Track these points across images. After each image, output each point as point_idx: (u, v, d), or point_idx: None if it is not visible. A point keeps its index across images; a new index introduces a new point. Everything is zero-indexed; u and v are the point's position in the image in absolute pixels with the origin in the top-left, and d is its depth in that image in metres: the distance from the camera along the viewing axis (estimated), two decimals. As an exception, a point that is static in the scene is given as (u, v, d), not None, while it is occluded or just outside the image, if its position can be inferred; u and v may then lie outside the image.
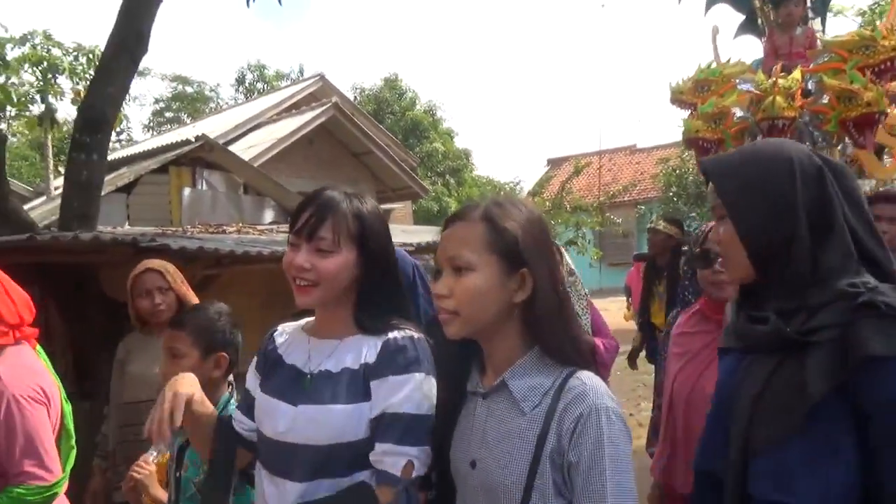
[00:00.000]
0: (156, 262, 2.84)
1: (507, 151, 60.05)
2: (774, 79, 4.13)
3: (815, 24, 5.10)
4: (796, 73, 4.20)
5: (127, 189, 6.72)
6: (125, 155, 8.69)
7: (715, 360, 1.95)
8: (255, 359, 1.68)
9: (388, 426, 1.42)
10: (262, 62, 32.50)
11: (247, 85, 31.66)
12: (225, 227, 5.23)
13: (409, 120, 27.27)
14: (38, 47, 10.14)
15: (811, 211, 1.30)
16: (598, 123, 58.96)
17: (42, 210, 7.45)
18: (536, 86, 71.15)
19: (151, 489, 2.07)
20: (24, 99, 10.32)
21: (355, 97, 25.62)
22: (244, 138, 13.29)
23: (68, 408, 2.20)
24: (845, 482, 1.19)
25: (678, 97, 4.68)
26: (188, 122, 26.01)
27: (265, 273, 4.09)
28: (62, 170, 14.40)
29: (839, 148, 4.34)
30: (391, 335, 1.48)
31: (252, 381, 1.65)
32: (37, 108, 10.79)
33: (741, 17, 5.37)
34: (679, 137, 4.94)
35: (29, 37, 10.30)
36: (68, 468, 2.14)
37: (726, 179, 1.36)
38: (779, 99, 4.01)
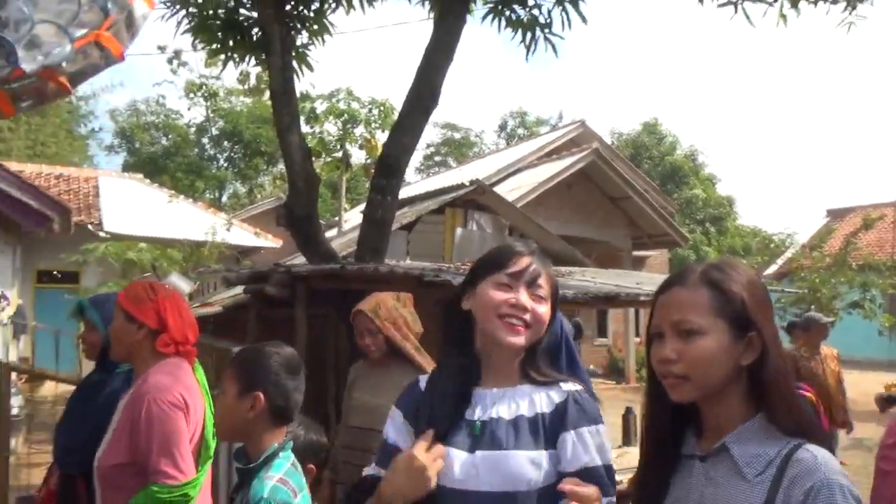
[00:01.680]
0: (369, 304, 2.92)
1: (776, 200, 55.09)
2: None
3: None
4: None
5: (408, 227, 7.47)
6: (406, 196, 9.69)
7: None
8: (393, 411, 1.63)
9: (594, 480, 1.45)
10: (524, 108, 34.18)
11: (508, 130, 33.35)
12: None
13: (668, 165, 26.48)
14: (342, 101, 11.87)
15: None
16: (891, 171, 51.36)
17: (336, 243, 8.58)
18: (813, 129, 64.53)
19: None
20: (329, 147, 12.06)
21: (613, 142, 25.58)
22: (506, 181, 13.98)
23: (212, 421, 2.31)
24: None
25: None
26: (454, 165, 28.07)
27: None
28: (347, 206, 16.43)
29: None
30: (566, 387, 1.53)
31: (397, 434, 1.59)
32: (335, 154, 12.54)
33: None
34: None
35: (335, 93, 12.13)
36: (203, 475, 2.25)
37: None
38: None
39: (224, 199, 29.27)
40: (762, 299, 1.35)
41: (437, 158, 32.95)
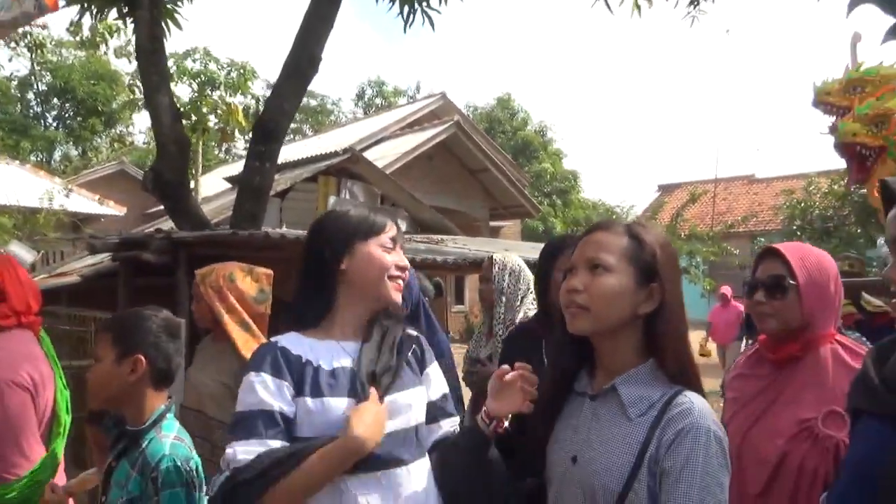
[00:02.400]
0: (203, 270, 2.72)
1: (615, 175, 59.14)
2: None
3: None
4: None
5: (281, 194, 7.36)
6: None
7: (770, 408, 1.87)
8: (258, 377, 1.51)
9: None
10: (381, 78, 33.82)
11: (366, 100, 33.06)
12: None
13: (520, 139, 27.59)
14: (197, 62, 11.25)
15: None
16: (713, 151, 57.01)
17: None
18: (648, 110, 69.90)
19: None
20: (182, 110, 11.42)
21: (469, 115, 26.23)
22: (368, 151, 13.99)
23: (65, 394, 2.24)
24: None
25: (824, 98, 4.31)
26: (310, 133, 27.44)
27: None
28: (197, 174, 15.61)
29: None
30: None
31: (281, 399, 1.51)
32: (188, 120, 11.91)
33: (887, 22, 5.14)
34: (802, 169, 4.79)
35: (191, 52, 11.44)
36: (59, 451, 2.18)
37: None
38: None
39: (54, 161, 26.65)
40: (673, 260, 1.46)
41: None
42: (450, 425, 1.65)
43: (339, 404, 1.47)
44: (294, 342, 1.54)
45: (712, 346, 10.09)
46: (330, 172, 8.01)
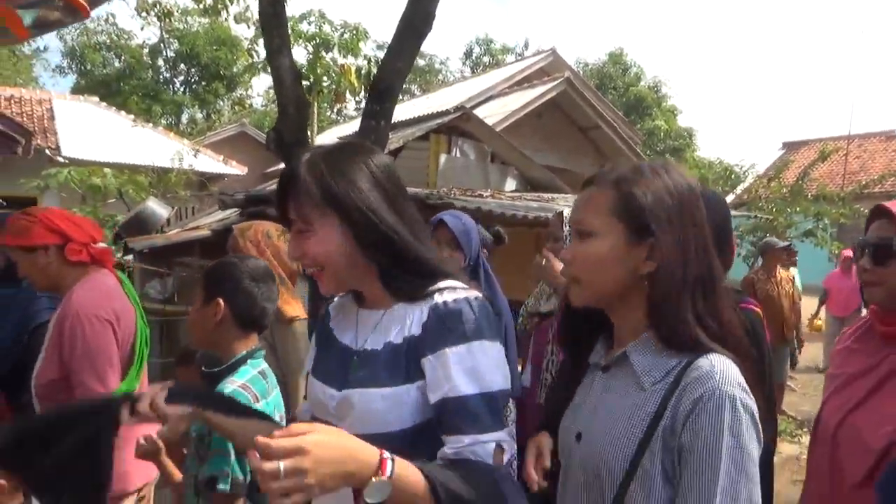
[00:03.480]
0: (240, 224, 2.84)
1: (735, 132, 55.91)
2: None
3: None
4: None
5: (394, 153, 7.53)
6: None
7: (878, 388, 1.66)
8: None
9: (458, 413, 1.19)
10: (490, 36, 33.42)
11: (474, 58, 32.81)
12: (481, 193, 5.70)
13: (633, 96, 26.62)
14: (312, 24, 11.56)
15: None
16: (846, 104, 52.42)
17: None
18: (772, 63, 65.13)
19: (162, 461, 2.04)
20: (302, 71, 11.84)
21: (580, 71, 25.50)
22: (477, 110, 13.93)
23: (145, 331, 2.35)
24: None
25: None
26: (418, 93, 27.65)
27: (532, 236, 4.45)
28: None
29: None
30: (439, 299, 1.25)
31: (308, 361, 1.45)
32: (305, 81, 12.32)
33: None
34: None
35: (306, 15, 11.78)
36: (135, 382, 2.27)
37: None
38: None
39: (181, 124, 28.38)
40: (677, 206, 1.24)
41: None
42: (452, 446, 1.20)
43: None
44: (344, 305, 1.48)
45: (828, 319, 8.79)
46: (441, 131, 8.06)
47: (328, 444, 0.99)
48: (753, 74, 65.74)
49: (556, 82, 12.96)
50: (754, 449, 1.12)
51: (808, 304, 7.13)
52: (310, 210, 1.26)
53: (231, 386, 1.83)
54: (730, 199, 19.99)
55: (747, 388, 1.16)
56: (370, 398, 1.24)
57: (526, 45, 32.56)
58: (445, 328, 1.22)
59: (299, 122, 5.29)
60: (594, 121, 13.56)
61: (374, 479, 1.02)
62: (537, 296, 3.33)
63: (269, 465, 0.94)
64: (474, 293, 1.28)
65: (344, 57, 10.99)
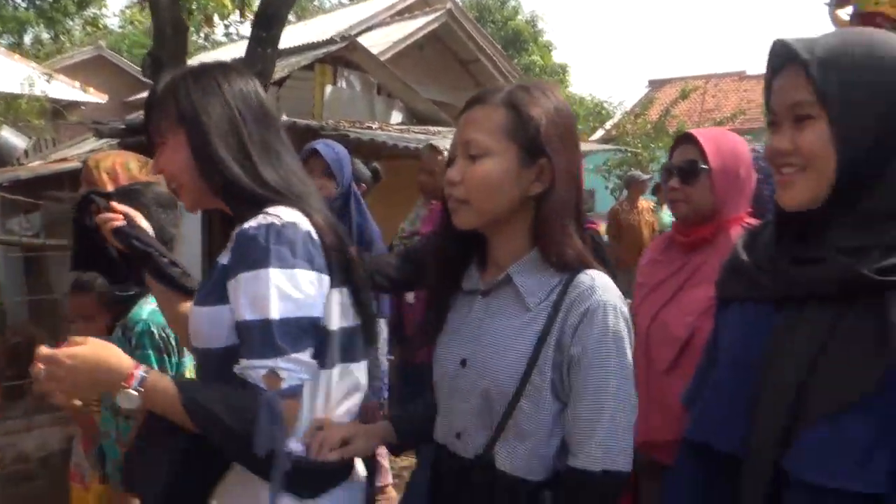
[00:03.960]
0: (97, 155, 2.58)
1: (605, 69, 57.99)
2: None
3: None
4: None
5: (279, 83, 7.28)
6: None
7: (681, 288, 1.88)
8: None
9: (241, 336, 1.22)
10: (366, -39, 32.23)
11: (350, -16, 31.59)
12: (370, 125, 5.70)
13: (511, 30, 26.82)
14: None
15: None
16: (703, 46, 55.75)
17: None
18: (640, 3, 67.48)
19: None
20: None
21: (459, 2, 25.31)
22: (358, 39, 13.61)
23: None
24: None
25: None
26: (293, 20, 26.38)
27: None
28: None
29: None
30: (246, 225, 1.25)
31: None
32: None
33: None
34: None
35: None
36: None
37: (830, 66, 1.04)
38: None
39: (25, 45, 25.57)
40: (565, 128, 1.26)
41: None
42: (236, 366, 1.23)
43: None
44: None
45: None
46: (326, 61, 7.87)
47: (83, 357, 1.17)
48: (623, 13, 67.97)
49: (437, 13, 12.88)
50: (631, 356, 1.23)
51: (668, 229, 7.83)
52: (165, 126, 1.31)
53: (148, 307, 1.89)
54: (599, 134, 20.96)
55: (622, 296, 1.26)
56: (196, 315, 1.31)
57: (405, -27, 31.82)
58: (240, 253, 1.23)
59: (177, 45, 5.03)
60: (475, 54, 13.66)
61: (122, 388, 1.17)
62: (412, 219, 3.48)
63: (35, 370, 1.16)
64: (284, 220, 1.24)
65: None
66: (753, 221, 1.91)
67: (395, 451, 1.57)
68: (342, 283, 1.34)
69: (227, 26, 20.05)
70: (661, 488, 1.36)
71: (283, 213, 1.25)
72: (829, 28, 4.46)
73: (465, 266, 1.38)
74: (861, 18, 3.62)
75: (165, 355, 1.88)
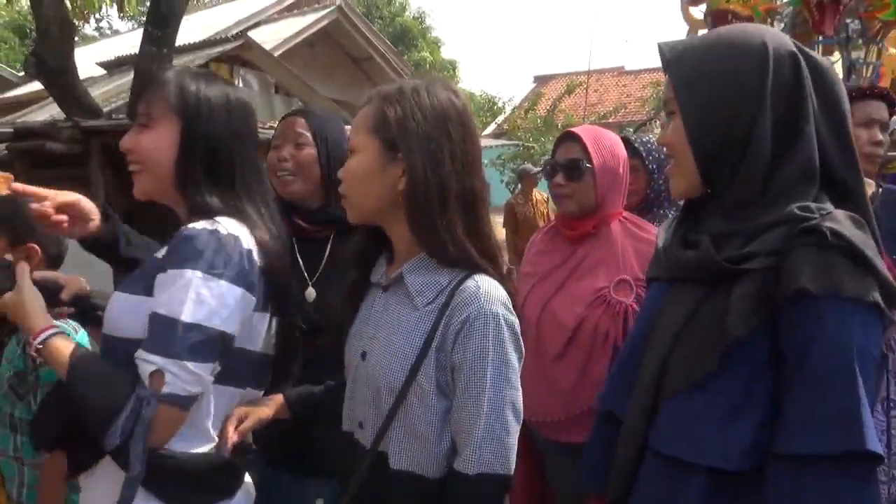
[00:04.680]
0: None
1: (494, 65, 59.14)
2: None
3: None
4: None
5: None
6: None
7: (569, 279, 1.98)
8: None
9: (149, 326, 1.21)
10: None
11: (233, -22, 30.56)
12: (271, 125, 5.65)
13: (399, 26, 26.91)
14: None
15: (778, 110, 1.08)
16: (586, 42, 58.26)
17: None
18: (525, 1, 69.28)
19: None
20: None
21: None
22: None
23: None
24: (753, 439, 1.04)
25: None
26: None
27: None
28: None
29: (879, 46, 3.69)
30: (193, 225, 1.25)
31: None
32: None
33: None
34: None
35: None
36: None
37: (683, 65, 1.13)
38: None
39: None
40: (431, 121, 1.24)
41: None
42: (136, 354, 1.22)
43: None
44: None
45: None
46: (222, 59, 7.68)
47: (12, 303, 1.32)
48: (508, 11, 69.55)
49: (327, 10, 12.79)
50: (515, 360, 1.24)
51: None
52: (159, 110, 1.32)
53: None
54: (492, 128, 21.54)
55: (509, 303, 1.26)
56: (117, 300, 1.30)
57: (288, -33, 31.19)
58: (175, 250, 1.23)
59: (64, 44, 4.82)
60: (367, 51, 13.68)
61: (30, 339, 1.29)
62: None
63: None
64: (229, 231, 1.24)
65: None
66: (629, 216, 2.05)
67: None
68: (269, 311, 1.34)
69: (98, 20, 18.92)
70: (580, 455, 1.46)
71: (229, 225, 1.25)
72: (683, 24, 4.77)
73: (371, 262, 1.42)
74: (714, 16, 3.74)
75: None
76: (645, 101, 19.51)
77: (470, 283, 1.24)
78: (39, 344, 1.27)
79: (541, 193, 8.01)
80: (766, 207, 1.07)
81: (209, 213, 1.28)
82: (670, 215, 1.74)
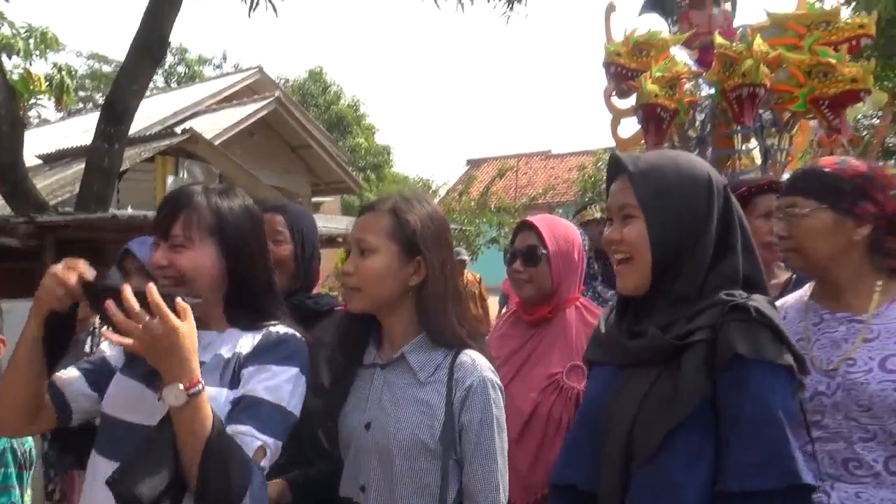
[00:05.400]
0: None
1: (427, 149, 60.85)
2: (751, 39, 3.63)
3: (726, 6, 4.81)
4: (760, 43, 3.64)
5: (119, 175, 7.12)
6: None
7: (525, 363, 2.06)
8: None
9: (248, 408, 1.33)
10: (183, 44, 31.78)
11: (167, 68, 30.91)
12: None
13: (334, 114, 27.58)
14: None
15: (719, 227, 1.34)
16: (515, 126, 61.08)
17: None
18: (457, 86, 72.32)
19: None
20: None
21: (282, 88, 25.67)
22: (182, 126, 13.41)
23: None
24: (709, 483, 1.21)
25: (615, 59, 4.20)
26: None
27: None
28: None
29: (793, 132, 4.10)
30: (272, 328, 1.44)
31: (115, 354, 1.51)
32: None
33: None
34: (594, 145, 4.84)
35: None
36: None
37: (649, 181, 1.34)
38: (762, 65, 3.53)
39: None
40: (437, 231, 1.56)
41: (81, 93, 29.04)
42: (230, 429, 1.32)
43: None
44: None
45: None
46: (167, 152, 7.83)
47: (180, 333, 1.19)
48: (440, 97, 72.27)
49: (267, 101, 13.14)
50: (504, 416, 1.54)
51: (494, 303, 8.40)
52: (196, 231, 1.40)
53: None
54: (427, 211, 22.02)
55: (495, 370, 1.56)
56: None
57: (224, 58, 31.74)
58: (270, 350, 1.39)
59: (14, 140, 4.90)
60: (305, 140, 14.02)
61: (178, 384, 1.18)
62: None
63: (131, 309, 1.18)
64: (298, 334, 1.45)
65: (28, 63, 9.88)
66: (587, 302, 2.17)
67: None
68: None
69: (39, 113, 18.74)
70: None
71: (293, 328, 1.46)
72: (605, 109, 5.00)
73: (364, 345, 1.63)
74: (644, 109, 3.97)
75: (24, 470, 2.03)
76: (572, 182, 20.53)
77: (465, 357, 1.51)
78: (193, 394, 1.19)
79: (473, 274, 8.30)
80: (701, 301, 1.30)
81: (263, 317, 1.45)
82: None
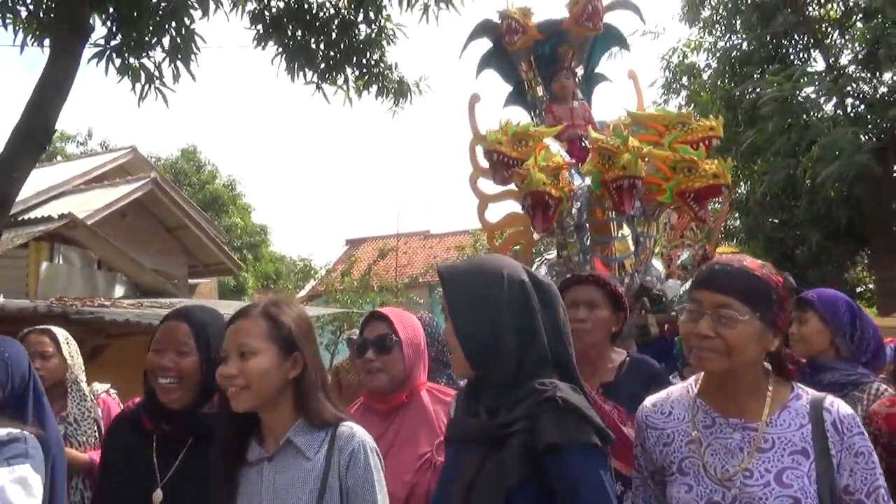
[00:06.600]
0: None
1: (304, 229, 60.20)
2: (626, 134, 3.88)
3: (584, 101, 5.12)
4: (632, 139, 3.91)
5: (-13, 262, 6.68)
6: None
7: (390, 449, 2.08)
8: None
9: None
10: (43, 121, 30.06)
11: (24, 144, 29.00)
12: (104, 303, 5.56)
13: (209, 193, 27.00)
14: None
15: (517, 320, 1.52)
16: (394, 207, 62.19)
17: None
18: (333, 166, 72.71)
19: None
20: None
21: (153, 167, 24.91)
22: (46, 206, 12.72)
23: None
24: None
25: (496, 147, 4.24)
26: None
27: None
28: None
29: (662, 219, 4.48)
30: (342, 427, 1.73)
31: None
32: None
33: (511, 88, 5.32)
34: (470, 225, 4.77)
35: None
36: None
37: (452, 284, 1.60)
38: (638, 160, 3.77)
39: None
40: (306, 328, 1.76)
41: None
42: None
43: None
44: None
45: None
46: (42, 238, 7.42)
47: None
48: (318, 176, 72.35)
49: (142, 182, 12.77)
50: (384, 475, 1.70)
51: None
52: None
53: None
54: (306, 290, 21.85)
55: (369, 435, 1.72)
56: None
57: (90, 134, 30.40)
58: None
59: None
60: (182, 220, 13.67)
61: None
62: None
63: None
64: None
65: None
66: (431, 385, 2.27)
67: None
68: None
69: None
70: None
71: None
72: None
73: (247, 444, 1.75)
74: (532, 196, 3.97)
75: None
76: (448, 261, 21.09)
77: (343, 428, 1.68)
78: None
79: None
80: (520, 385, 1.50)
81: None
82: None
